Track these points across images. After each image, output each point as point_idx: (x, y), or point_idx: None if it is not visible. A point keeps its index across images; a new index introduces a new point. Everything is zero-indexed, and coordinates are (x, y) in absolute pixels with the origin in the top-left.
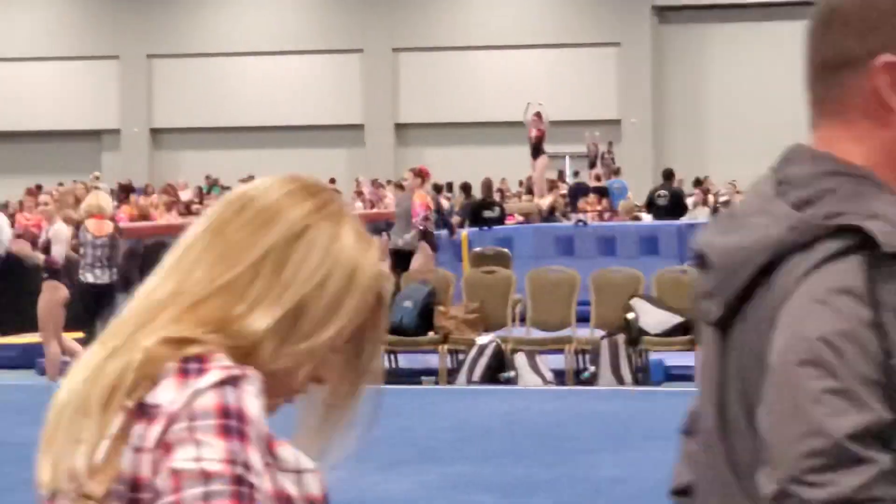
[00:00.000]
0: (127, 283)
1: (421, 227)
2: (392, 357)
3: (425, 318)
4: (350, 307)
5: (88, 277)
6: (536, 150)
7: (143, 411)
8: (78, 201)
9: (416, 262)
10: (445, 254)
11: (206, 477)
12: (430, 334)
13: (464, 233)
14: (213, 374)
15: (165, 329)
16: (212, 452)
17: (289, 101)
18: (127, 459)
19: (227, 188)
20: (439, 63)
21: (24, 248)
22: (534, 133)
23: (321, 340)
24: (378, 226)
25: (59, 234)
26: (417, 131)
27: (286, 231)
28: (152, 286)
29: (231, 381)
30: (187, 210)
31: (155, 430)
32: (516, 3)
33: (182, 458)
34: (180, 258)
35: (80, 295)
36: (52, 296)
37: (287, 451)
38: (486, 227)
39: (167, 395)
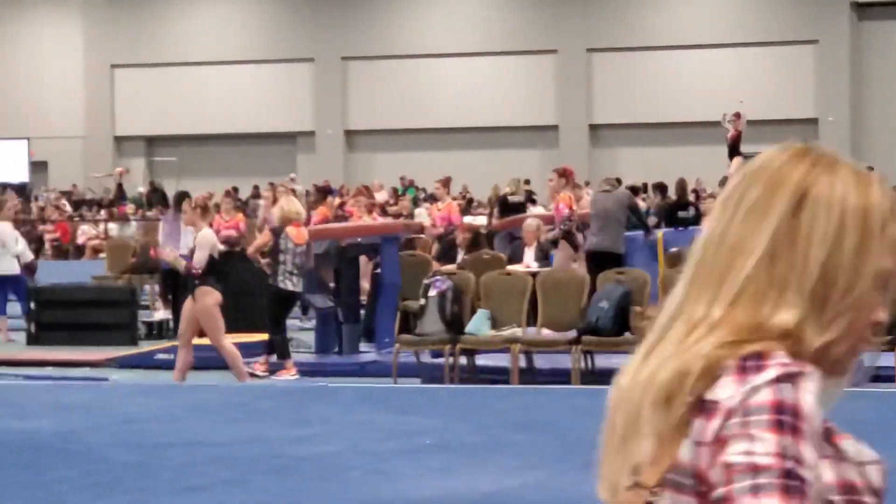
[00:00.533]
0: (322, 285)
1: (564, 228)
2: (588, 357)
3: (621, 319)
4: (873, 252)
5: (287, 285)
6: (733, 150)
7: (702, 407)
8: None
9: (555, 262)
10: (641, 254)
11: (756, 470)
12: (627, 335)
13: (659, 233)
14: (771, 371)
15: (713, 335)
16: (763, 447)
17: (483, 102)
18: (688, 452)
19: (422, 190)
20: (635, 63)
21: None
22: (731, 133)
23: (855, 297)
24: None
25: (204, 239)
26: (611, 132)
27: (790, 198)
28: (682, 293)
29: (788, 378)
30: (383, 212)
31: (713, 425)
32: (712, 2)
33: (734, 451)
34: (702, 258)
35: (274, 300)
36: (206, 301)
37: (849, 444)
38: (681, 228)
39: (726, 391)
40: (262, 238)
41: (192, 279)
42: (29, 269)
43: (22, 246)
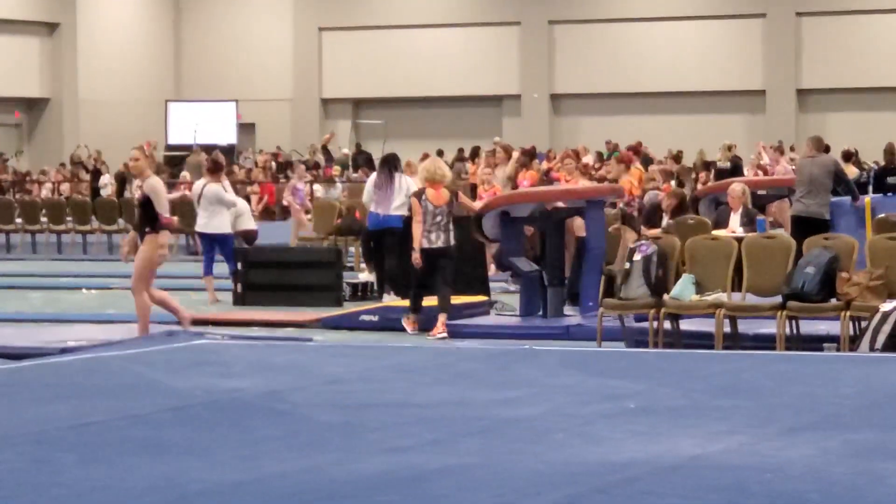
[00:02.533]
0: (532, 247)
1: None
2: (793, 323)
3: (827, 285)
4: None
5: (424, 242)
6: None
7: None
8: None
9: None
10: (848, 220)
11: None
12: (833, 301)
13: (867, 199)
14: None
15: None
16: None
17: (690, 66)
18: None
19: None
20: (845, 27)
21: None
22: None
23: None
24: (780, 191)
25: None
26: (819, 97)
27: None
28: None
29: None
30: (588, 175)
31: None
32: None
33: None
34: None
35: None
36: None
37: None
38: (890, 194)
39: None
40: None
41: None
42: (247, 236)
43: (239, 210)
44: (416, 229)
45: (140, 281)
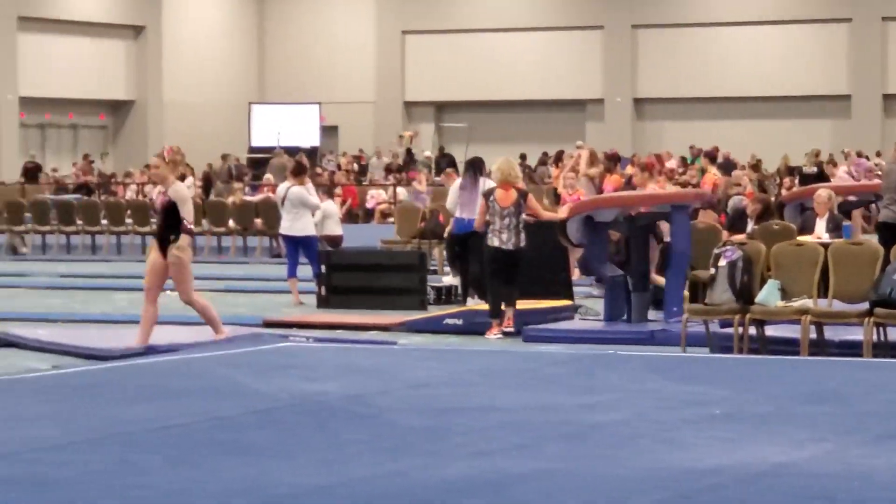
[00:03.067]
0: (611, 254)
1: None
2: (881, 330)
3: None
4: None
5: (495, 241)
6: None
7: None
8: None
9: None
10: None
11: None
12: None
13: None
14: None
15: None
16: None
17: (774, 70)
18: None
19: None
20: None
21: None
22: None
23: None
24: (865, 197)
25: None
26: None
27: None
28: None
29: None
30: (671, 180)
31: None
32: None
33: None
34: None
35: (486, 258)
36: None
37: None
38: None
39: None
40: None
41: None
42: (332, 241)
43: (327, 213)
44: (479, 219)
45: (186, 290)
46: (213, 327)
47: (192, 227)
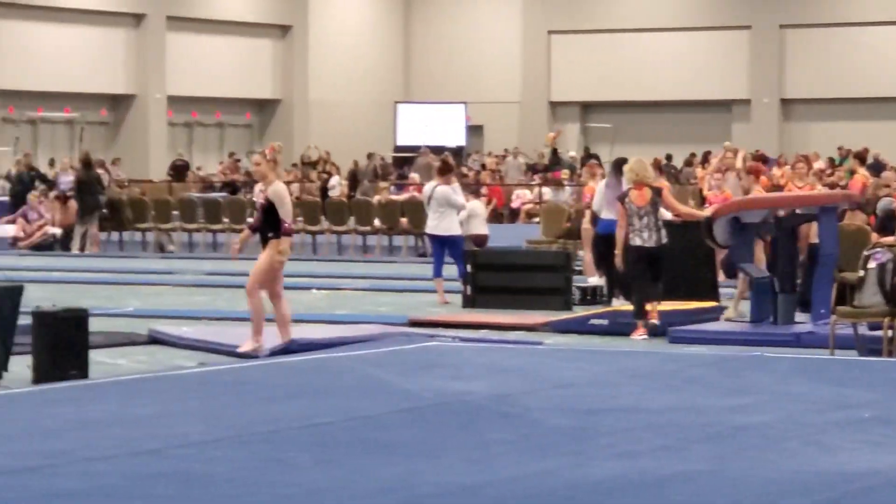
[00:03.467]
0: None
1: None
2: None
3: None
4: None
5: (636, 241)
6: None
7: None
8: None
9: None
10: None
11: None
12: None
13: None
14: None
15: None
16: None
17: None
18: None
19: (862, 159)
20: None
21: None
22: None
23: None
24: None
25: None
26: None
27: None
28: None
29: None
30: (819, 181)
31: None
32: None
33: None
34: None
35: (631, 257)
36: None
37: None
38: None
39: None
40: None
41: None
42: (478, 240)
43: (473, 212)
44: (620, 233)
45: (256, 284)
46: (253, 331)
47: (291, 227)
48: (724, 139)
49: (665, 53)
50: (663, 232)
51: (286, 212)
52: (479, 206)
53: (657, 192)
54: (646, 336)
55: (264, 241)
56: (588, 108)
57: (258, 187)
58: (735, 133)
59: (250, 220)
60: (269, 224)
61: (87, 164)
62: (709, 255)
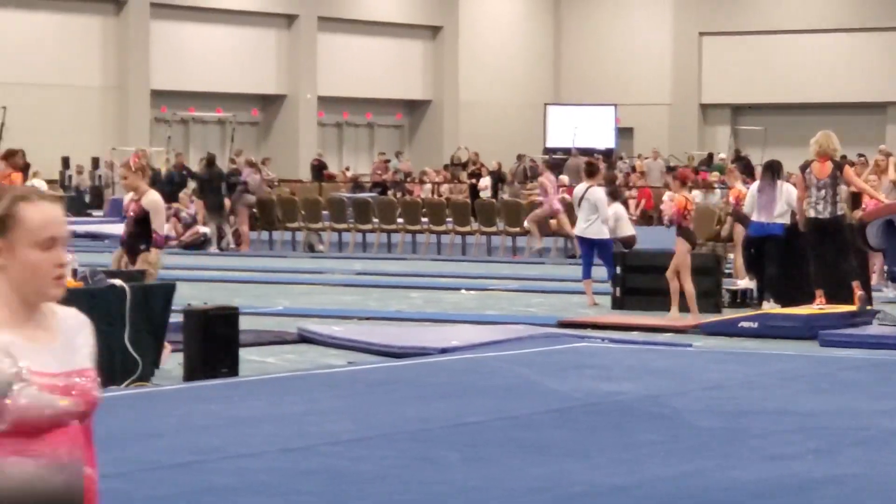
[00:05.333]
0: None
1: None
2: None
3: None
4: None
5: (811, 213)
6: None
7: None
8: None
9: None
10: None
11: None
12: None
13: None
14: None
15: None
16: None
17: None
18: None
19: None
20: None
21: None
22: None
23: None
24: None
25: None
26: None
27: None
28: None
29: None
30: None
31: None
32: None
33: None
34: None
35: (808, 229)
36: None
37: None
38: None
39: None
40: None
41: None
42: (626, 242)
43: (618, 215)
44: (798, 205)
45: None
46: None
47: (163, 238)
48: (878, 142)
49: (817, 55)
50: (840, 205)
51: (160, 222)
52: (621, 209)
53: (839, 166)
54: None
55: (133, 254)
56: (739, 111)
57: (127, 197)
58: (890, 135)
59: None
60: (142, 235)
61: (211, 163)
62: (862, 258)
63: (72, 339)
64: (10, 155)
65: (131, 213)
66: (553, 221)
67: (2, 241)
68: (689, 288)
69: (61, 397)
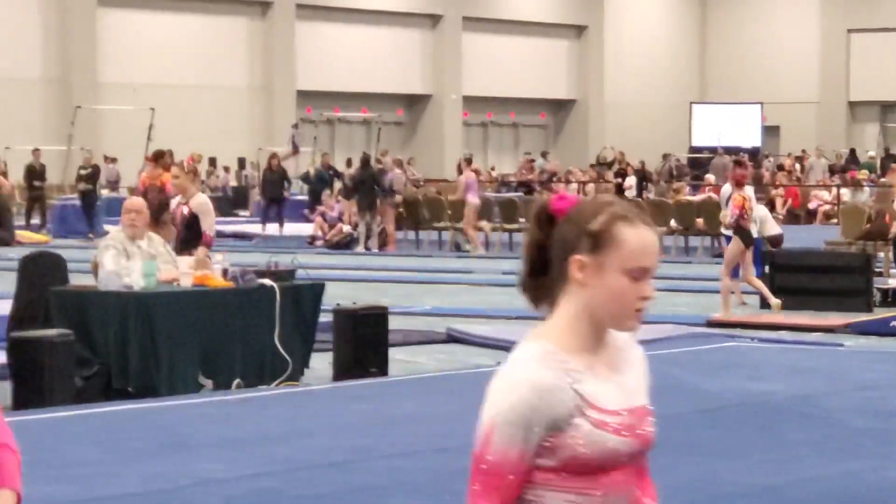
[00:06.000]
0: None
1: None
2: None
3: None
4: None
5: None
6: None
7: None
8: None
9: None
10: None
11: None
12: None
13: None
14: None
15: None
16: None
17: None
18: None
19: None
20: None
21: None
22: None
23: None
24: None
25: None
26: None
27: None
28: None
29: None
30: None
31: None
32: None
33: None
34: None
35: None
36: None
37: None
38: None
39: None
40: None
41: None
42: (774, 241)
43: (762, 216)
44: None
45: None
46: None
47: (213, 239)
48: None
49: None
50: None
51: (210, 223)
52: (763, 209)
53: None
54: None
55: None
56: (888, 108)
57: (175, 200)
58: None
59: None
60: (191, 240)
61: (365, 163)
62: None
63: (633, 371)
64: (160, 156)
65: (183, 215)
66: (699, 221)
67: (591, 258)
68: (727, 282)
69: (618, 437)
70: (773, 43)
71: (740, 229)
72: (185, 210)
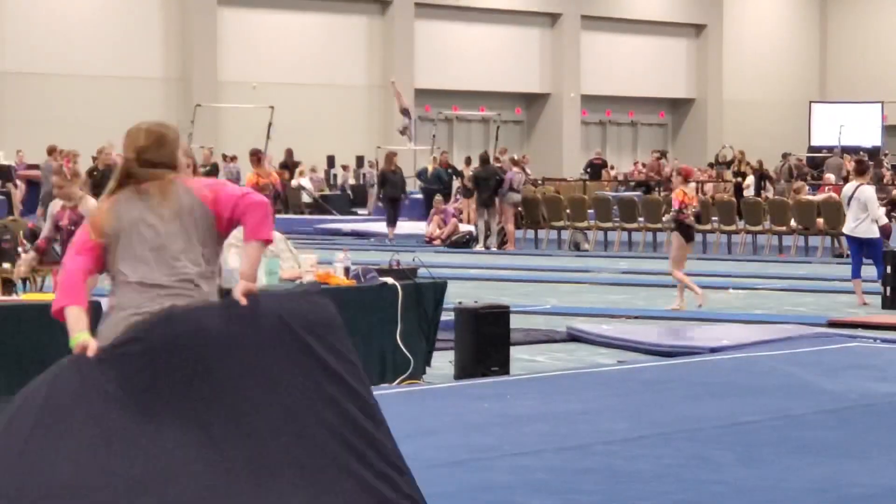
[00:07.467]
0: None
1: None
2: None
3: None
4: None
5: None
6: None
7: None
8: None
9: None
10: None
11: None
12: None
13: None
14: None
15: None
16: None
17: None
18: None
19: None
20: None
21: None
22: None
23: None
24: None
25: None
26: None
27: None
28: None
29: None
30: None
31: None
32: None
33: None
34: None
35: None
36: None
37: None
38: None
39: None
40: None
41: None
42: (884, 232)
43: (878, 209)
44: None
45: None
46: None
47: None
48: None
49: None
50: None
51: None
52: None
53: None
54: None
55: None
56: None
57: (56, 205)
58: None
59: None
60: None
61: (485, 161)
62: None
63: None
64: (257, 154)
65: (66, 223)
66: (820, 220)
67: None
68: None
69: None
70: (894, 41)
71: (681, 224)
72: (70, 217)
